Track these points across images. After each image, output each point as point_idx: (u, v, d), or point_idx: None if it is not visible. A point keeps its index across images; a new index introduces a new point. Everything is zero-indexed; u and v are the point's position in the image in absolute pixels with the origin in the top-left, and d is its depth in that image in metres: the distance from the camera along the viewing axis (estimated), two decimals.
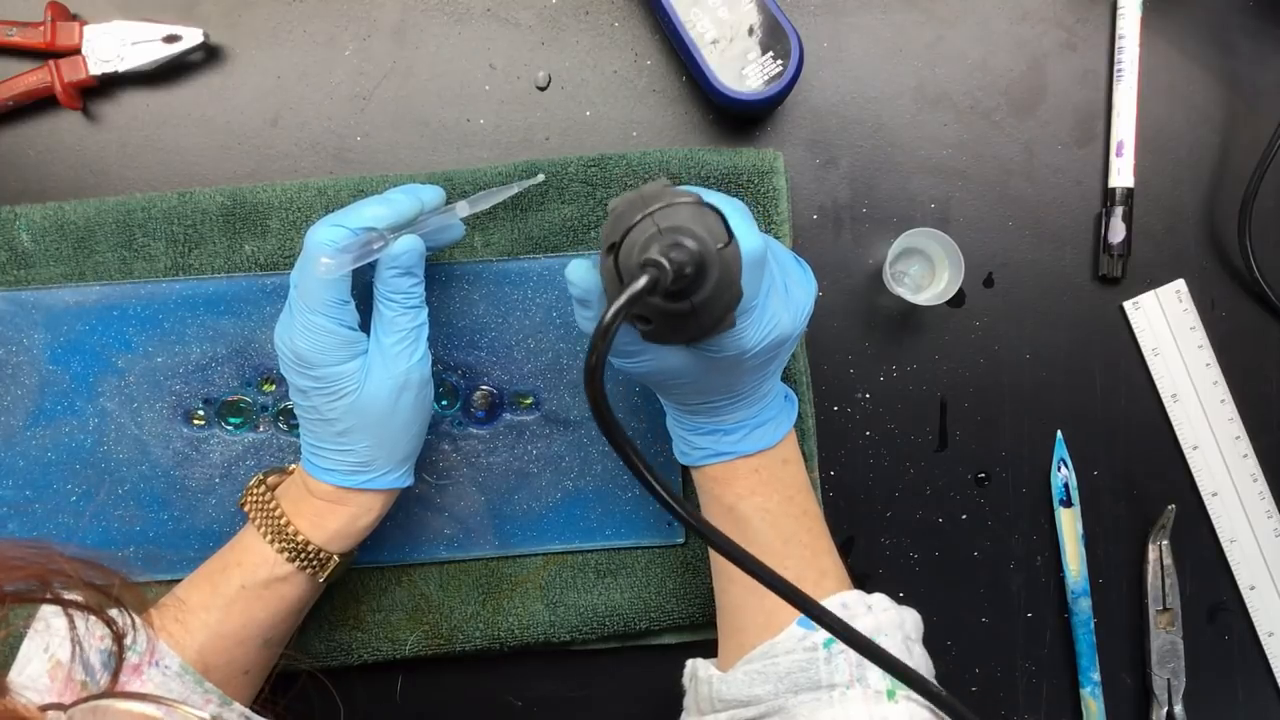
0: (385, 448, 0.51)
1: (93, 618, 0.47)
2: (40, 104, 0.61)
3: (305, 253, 0.48)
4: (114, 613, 0.43)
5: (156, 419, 0.58)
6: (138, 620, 0.47)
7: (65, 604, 0.41)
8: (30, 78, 0.59)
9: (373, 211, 0.49)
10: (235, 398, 0.58)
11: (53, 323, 0.58)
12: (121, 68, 0.59)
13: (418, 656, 0.59)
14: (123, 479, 0.58)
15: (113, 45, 0.59)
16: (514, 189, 0.52)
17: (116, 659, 0.43)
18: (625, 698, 0.61)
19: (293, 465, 0.55)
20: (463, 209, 0.51)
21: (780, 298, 0.45)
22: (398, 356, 0.50)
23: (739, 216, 0.42)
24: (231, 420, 0.58)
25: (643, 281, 0.34)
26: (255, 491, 0.53)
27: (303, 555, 0.51)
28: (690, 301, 0.37)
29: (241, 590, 0.50)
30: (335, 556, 0.52)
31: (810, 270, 0.50)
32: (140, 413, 0.58)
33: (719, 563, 0.52)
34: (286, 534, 0.50)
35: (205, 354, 0.58)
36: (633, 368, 0.46)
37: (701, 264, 0.36)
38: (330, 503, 0.51)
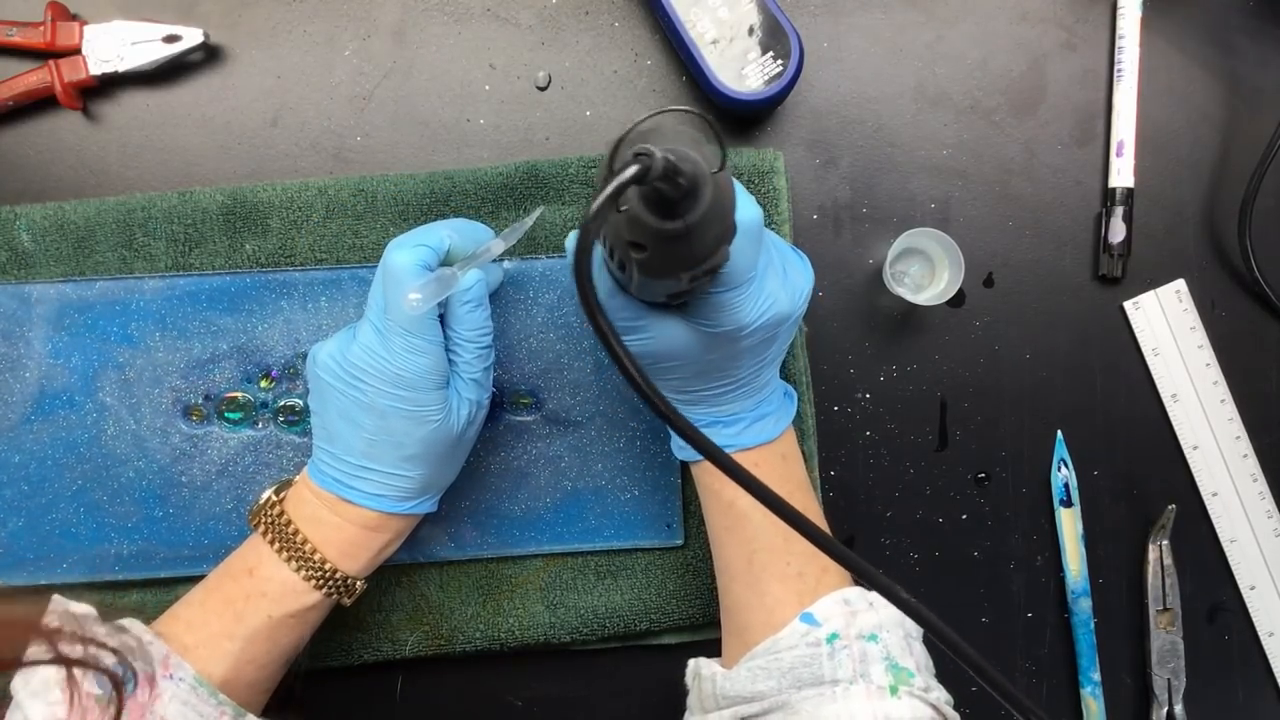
0: (441, 476, 0.52)
1: (100, 628, 0.47)
2: (40, 104, 0.61)
3: (387, 275, 0.48)
4: (112, 663, 0.43)
5: (155, 414, 0.58)
6: (150, 633, 0.47)
7: (63, 663, 0.42)
8: (30, 78, 0.59)
9: (446, 234, 0.50)
10: (235, 394, 0.58)
11: (54, 317, 0.58)
12: (121, 68, 0.59)
13: (418, 657, 0.59)
14: (120, 474, 0.58)
15: (113, 45, 0.59)
16: (529, 222, 0.53)
17: (117, 705, 0.43)
18: (625, 698, 0.61)
19: (291, 478, 0.54)
20: (498, 246, 0.52)
21: (778, 277, 0.45)
22: (474, 393, 0.51)
23: (737, 190, 0.42)
24: (230, 416, 0.58)
25: (632, 169, 0.33)
26: (270, 512, 0.51)
27: (332, 583, 0.50)
28: (684, 221, 0.36)
29: (268, 620, 0.49)
30: (360, 582, 0.52)
31: (807, 260, 0.50)
32: (139, 408, 0.58)
33: (721, 562, 0.52)
34: (314, 562, 0.49)
35: (206, 350, 0.58)
36: (633, 346, 0.46)
37: (695, 179, 0.35)
38: (367, 529, 0.51)
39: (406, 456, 0.49)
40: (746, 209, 0.42)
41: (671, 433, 0.52)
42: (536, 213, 0.54)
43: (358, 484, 0.50)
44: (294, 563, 0.49)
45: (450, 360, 0.51)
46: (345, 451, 0.50)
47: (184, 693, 0.47)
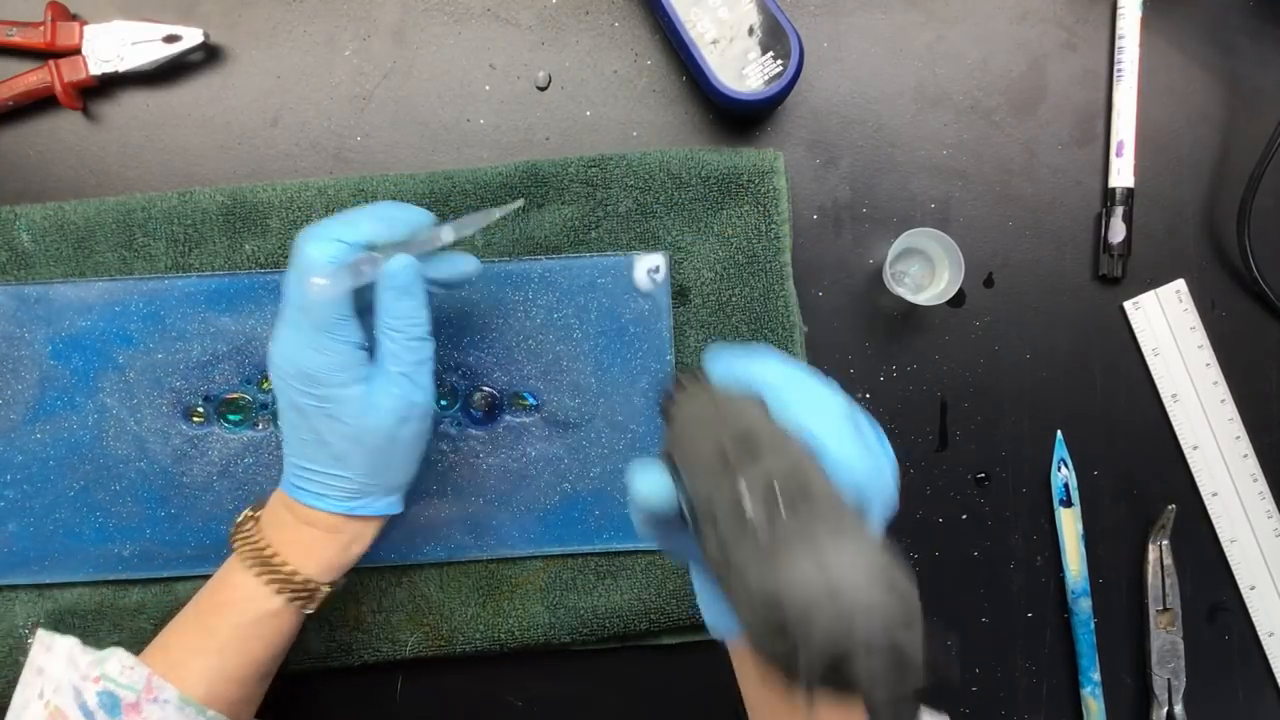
0: (381, 476, 0.50)
1: (84, 659, 0.47)
2: (40, 104, 0.61)
3: (297, 267, 0.46)
4: None
5: (156, 415, 0.58)
6: (132, 659, 0.47)
7: None
8: (30, 78, 0.59)
9: (368, 227, 0.47)
10: (235, 395, 0.58)
11: (54, 318, 0.58)
12: (121, 68, 0.59)
13: (418, 657, 0.59)
14: (121, 475, 0.58)
15: (113, 45, 0.59)
16: (496, 214, 0.51)
17: None
18: (625, 698, 0.61)
19: (266, 496, 0.53)
20: (447, 234, 0.49)
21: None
22: (401, 388, 0.48)
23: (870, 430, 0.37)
24: (231, 418, 0.58)
25: None
26: (245, 528, 0.50)
27: (292, 588, 0.48)
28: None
29: (235, 630, 0.48)
30: (324, 587, 0.50)
31: (883, 434, 0.40)
32: (140, 409, 0.58)
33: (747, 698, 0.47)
34: (273, 565, 0.48)
35: (206, 351, 0.58)
36: (673, 551, 0.40)
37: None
38: (323, 531, 0.49)
39: (335, 456, 0.48)
40: (858, 461, 0.36)
41: (704, 607, 0.45)
42: (511, 206, 0.52)
43: (303, 484, 0.49)
44: (256, 568, 0.48)
45: (379, 354, 0.48)
46: (290, 451, 0.49)
47: (170, 714, 0.46)
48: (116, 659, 0.47)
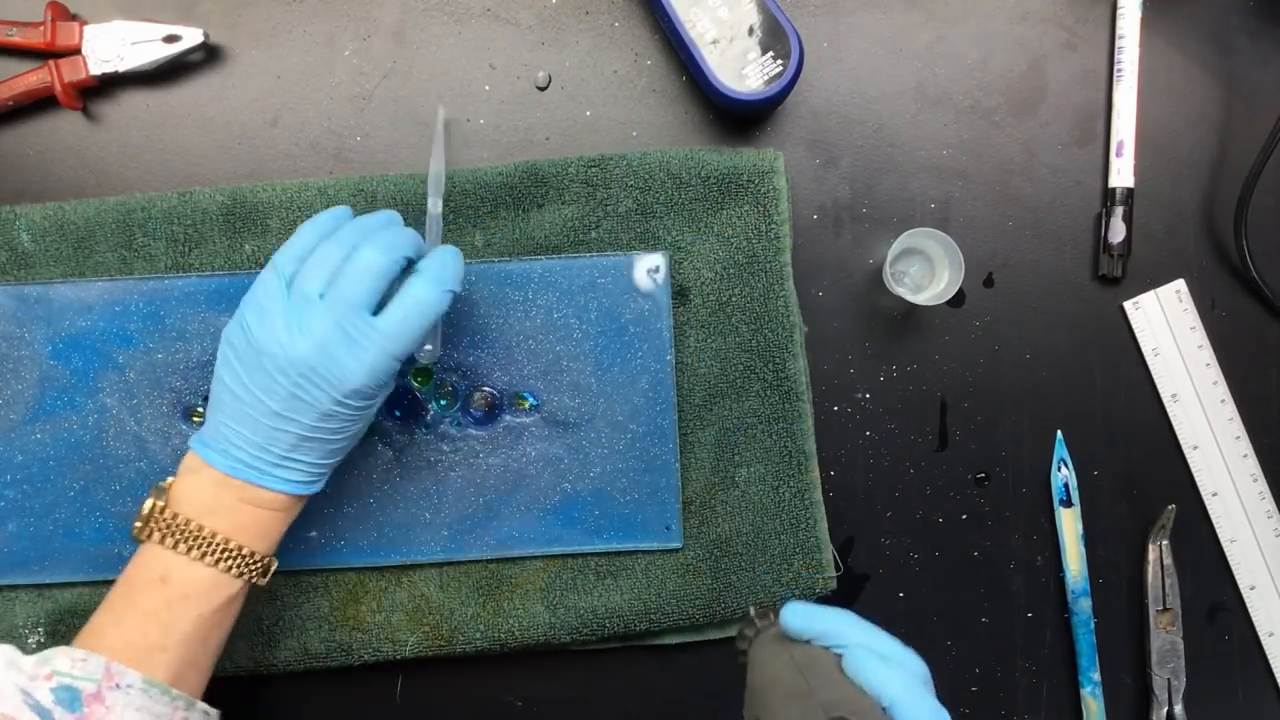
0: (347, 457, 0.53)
1: (26, 661, 0.45)
2: (40, 104, 0.61)
3: (418, 304, 0.48)
4: None
5: (156, 415, 0.58)
6: (82, 651, 0.45)
7: None
8: (30, 78, 0.59)
9: (456, 270, 0.50)
10: None
11: (54, 318, 0.58)
12: (121, 68, 0.59)
13: (418, 657, 0.59)
14: (121, 475, 0.58)
15: (113, 45, 0.59)
16: (440, 140, 0.53)
17: None
18: (625, 698, 0.61)
19: (163, 483, 0.50)
20: (436, 205, 0.53)
21: None
22: (393, 382, 0.51)
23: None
24: None
25: None
26: (162, 518, 0.48)
27: (249, 567, 0.49)
28: None
29: (198, 621, 0.48)
30: (274, 560, 0.51)
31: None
32: (140, 409, 0.58)
33: None
34: (229, 550, 0.48)
35: (206, 351, 0.58)
36: None
37: None
38: (275, 511, 0.50)
39: (333, 451, 0.50)
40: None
41: None
42: (439, 126, 0.53)
43: (271, 470, 0.49)
44: (209, 558, 0.48)
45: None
46: (264, 439, 0.48)
47: (136, 698, 0.45)
48: (64, 654, 0.46)
